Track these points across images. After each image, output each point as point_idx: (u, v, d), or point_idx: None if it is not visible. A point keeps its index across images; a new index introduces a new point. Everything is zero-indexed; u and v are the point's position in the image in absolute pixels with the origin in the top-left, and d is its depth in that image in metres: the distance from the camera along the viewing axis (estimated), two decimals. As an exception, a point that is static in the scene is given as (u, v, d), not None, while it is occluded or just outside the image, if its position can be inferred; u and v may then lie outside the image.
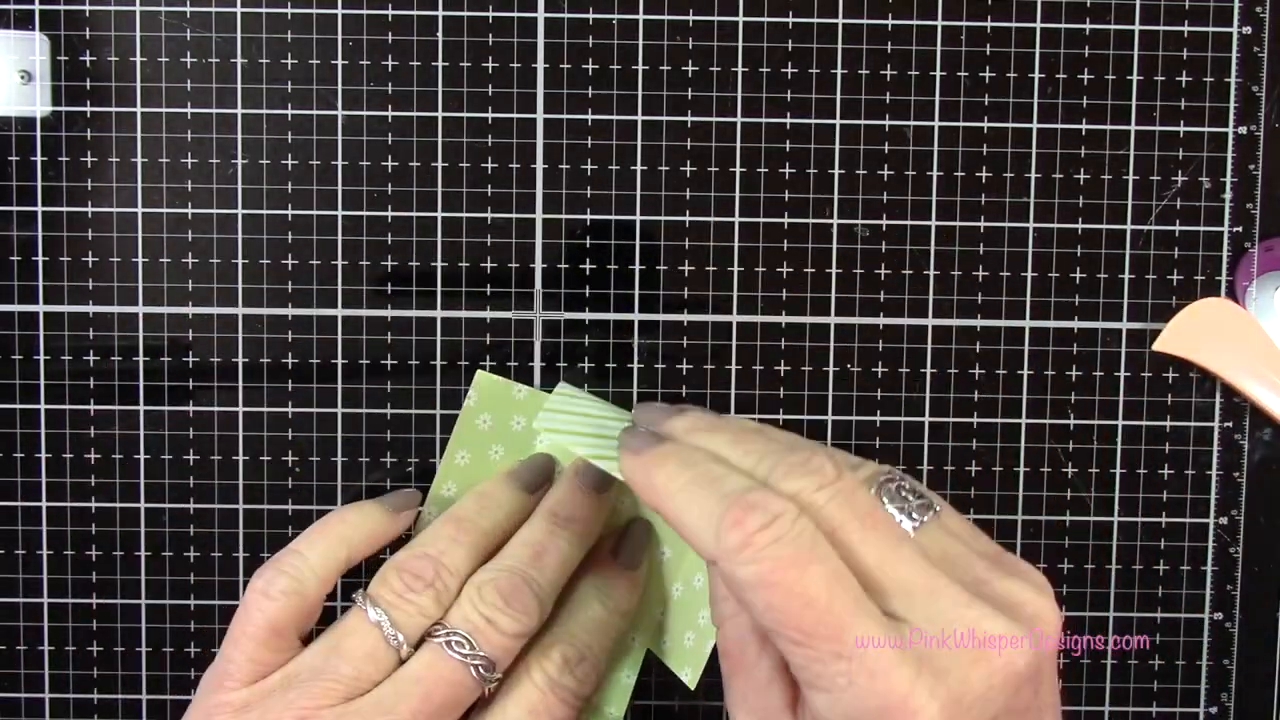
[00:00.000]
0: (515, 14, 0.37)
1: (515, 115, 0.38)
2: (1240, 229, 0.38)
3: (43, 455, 0.38)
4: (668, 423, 0.30)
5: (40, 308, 0.38)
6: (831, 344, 0.38)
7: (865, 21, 0.37)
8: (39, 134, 0.37)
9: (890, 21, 0.38)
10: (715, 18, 0.37)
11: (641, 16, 0.37)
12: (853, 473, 0.27)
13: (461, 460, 0.37)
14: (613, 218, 0.38)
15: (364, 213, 0.38)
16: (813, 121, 0.38)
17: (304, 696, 0.30)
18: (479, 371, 0.37)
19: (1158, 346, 0.38)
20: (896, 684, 0.24)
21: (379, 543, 0.34)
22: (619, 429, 0.32)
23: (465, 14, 0.37)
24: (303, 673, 0.31)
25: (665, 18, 0.37)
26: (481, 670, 0.31)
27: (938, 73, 0.38)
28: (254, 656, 0.31)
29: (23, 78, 0.37)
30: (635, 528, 0.36)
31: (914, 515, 0.27)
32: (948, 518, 0.28)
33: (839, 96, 0.38)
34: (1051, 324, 0.38)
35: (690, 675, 0.36)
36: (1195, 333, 0.38)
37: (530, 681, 0.32)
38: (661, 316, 0.38)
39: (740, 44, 0.37)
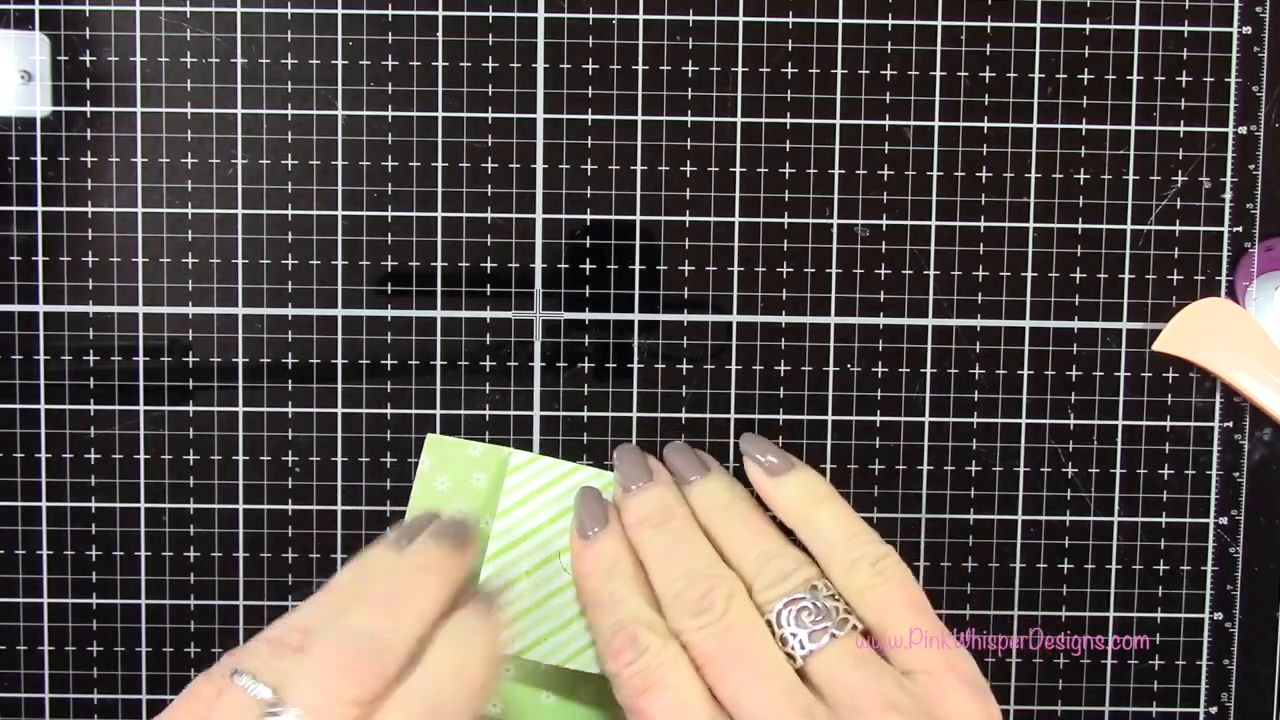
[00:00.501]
0: (515, 14, 0.37)
1: (515, 115, 0.38)
2: (1240, 229, 0.38)
3: (43, 455, 0.38)
4: (629, 499, 0.34)
5: (40, 308, 0.38)
6: (831, 344, 0.38)
7: (865, 21, 0.37)
8: (39, 134, 0.37)
9: (890, 21, 0.38)
10: (715, 18, 0.37)
11: (641, 16, 0.37)
12: (742, 606, 0.31)
13: None
14: (613, 218, 0.38)
15: (364, 213, 0.38)
16: (813, 121, 0.38)
17: None
18: (429, 435, 0.37)
19: (1158, 346, 0.38)
20: None
21: None
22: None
23: (465, 14, 0.37)
24: None
25: (665, 18, 0.37)
26: None
27: (938, 73, 0.38)
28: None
29: (23, 78, 0.37)
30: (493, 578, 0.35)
31: (808, 641, 0.30)
32: (850, 642, 0.31)
33: (839, 96, 0.38)
34: (1051, 324, 0.38)
35: None
36: (1195, 333, 0.38)
37: None
38: (661, 316, 0.38)
39: (740, 44, 0.37)
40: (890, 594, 0.31)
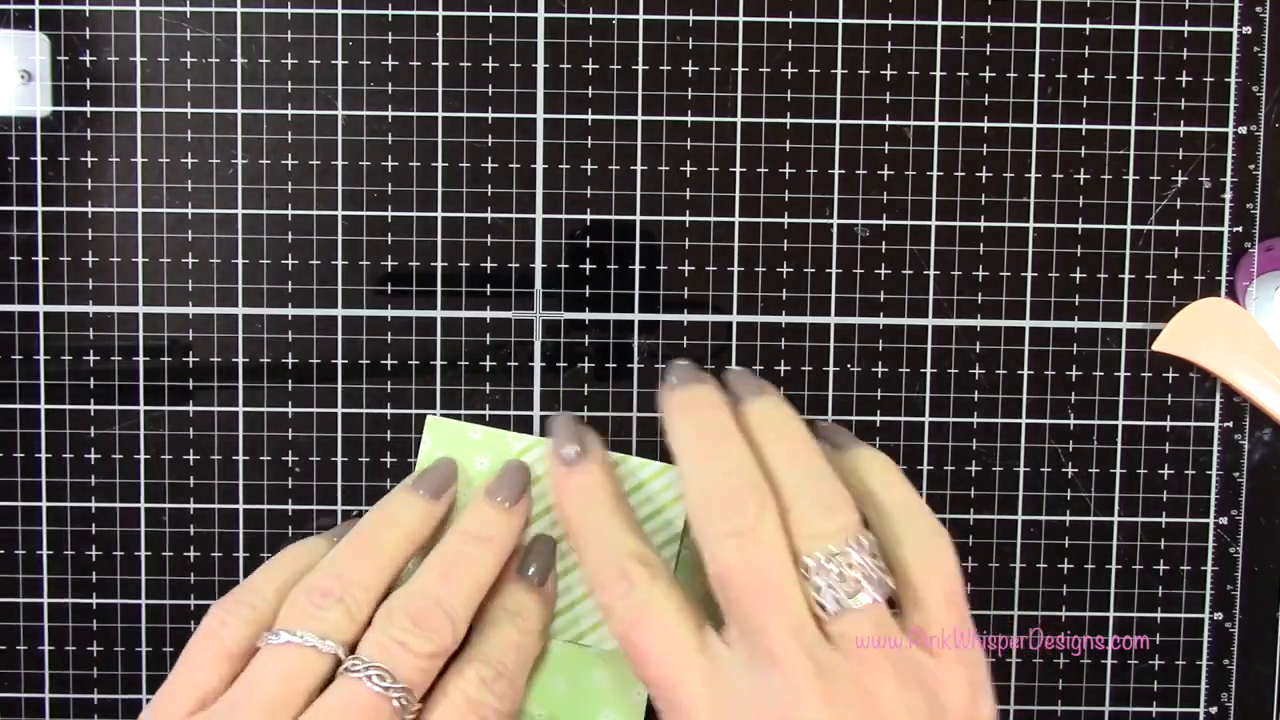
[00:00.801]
0: (515, 14, 0.37)
1: (515, 115, 0.38)
2: (1240, 229, 0.38)
3: (43, 455, 0.38)
4: (671, 390, 0.33)
5: (40, 308, 0.38)
6: (831, 344, 0.38)
7: (865, 21, 0.37)
8: (39, 134, 0.37)
9: (890, 21, 0.38)
10: (715, 18, 0.37)
11: (641, 16, 0.37)
12: (773, 526, 0.30)
13: None
14: (613, 218, 0.38)
15: (364, 213, 0.38)
16: (813, 121, 0.38)
17: None
18: (429, 417, 0.37)
19: (1158, 346, 0.38)
20: None
21: None
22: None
23: (465, 14, 0.37)
24: (227, 707, 0.30)
25: (665, 18, 0.37)
26: (402, 700, 0.30)
27: (938, 73, 0.38)
28: (203, 683, 0.31)
29: (23, 78, 0.37)
30: (538, 544, 0.36)
31: (847, 600, 0.29)
32: (882, 607, 0.30)
33: (839, 96, 0.38)
34: (1051, 324, 0.38)
35: None
36: (1195, 333, 0.38)
37: (449, 703, 0.31)
38: (661, 316, 0.38)
39: (740, 44, 0.37)
40: (930, 578, 0.31)
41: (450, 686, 0.32)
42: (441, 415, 0.38)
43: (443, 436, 0.37)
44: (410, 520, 0.34)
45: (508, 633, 0.33)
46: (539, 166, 0.38)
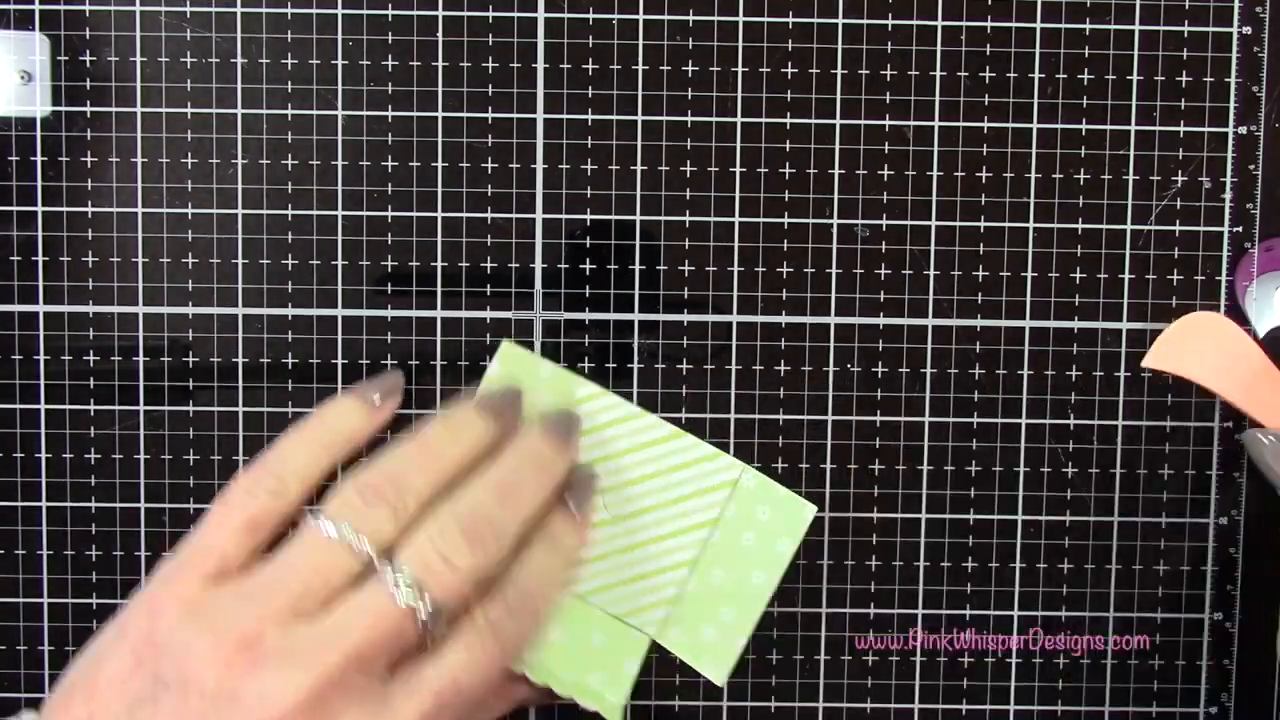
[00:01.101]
0: (515, 14, 0.37)
1: (515, 115, 0.38)
2: (1240, 229, 0.38)
3: (43, 455, 0.38)
4: None
5: (40, 308, 0.38)
6: (831, 344, 0.38)
7: (865, 21, 0.37)
8: (39, 134, 0.37)
9: (890, 21, 0.38)
10: (715, 18, 0.37)
11: (641, 16, 0.37)
12: None
13: None
14: (613, 218, 0.38)
15: (364, 213, 0.38)
16: (813, 121, 0.38)
17: (250, 610, 0.29)
18: (504, 342, 0.37)
19: (1146, 363, 0.37)
20: None
21: (360, 440, 0.34)
22: None
23: (465, 14, 0.37)
24: (253, 584, 0.30)
25: (665, 18, 0.37)
26: (428, 620, 0.30)
27: (938, 73, 0.38)
28: (224, 550, 0.31)
29: (23, 78, 0.37)
30: (583, 474, 0.36)
31: None
32: None
33: (839, 96, 0.38)
34: (1051, 324, 0.38)
35: (715, 672, 0.36)
36: (1184, 348, 0.37)
37: (471, 624, 0.31)
38: (661, 316, 0.38)
39: (740, 44, 0.37)
40: None
41: (475, 609, 0.31)
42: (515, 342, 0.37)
43: (512, 364, 0.37)
44: (472, 440, 0.34)
45: (540, 558, 0.33)
46: (539, 166, 0.38)
